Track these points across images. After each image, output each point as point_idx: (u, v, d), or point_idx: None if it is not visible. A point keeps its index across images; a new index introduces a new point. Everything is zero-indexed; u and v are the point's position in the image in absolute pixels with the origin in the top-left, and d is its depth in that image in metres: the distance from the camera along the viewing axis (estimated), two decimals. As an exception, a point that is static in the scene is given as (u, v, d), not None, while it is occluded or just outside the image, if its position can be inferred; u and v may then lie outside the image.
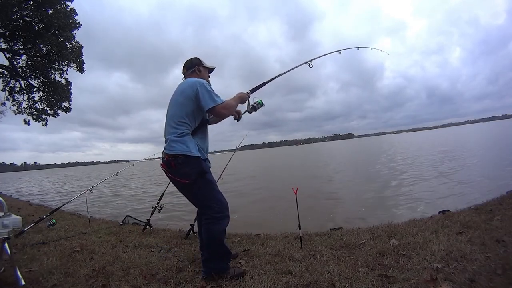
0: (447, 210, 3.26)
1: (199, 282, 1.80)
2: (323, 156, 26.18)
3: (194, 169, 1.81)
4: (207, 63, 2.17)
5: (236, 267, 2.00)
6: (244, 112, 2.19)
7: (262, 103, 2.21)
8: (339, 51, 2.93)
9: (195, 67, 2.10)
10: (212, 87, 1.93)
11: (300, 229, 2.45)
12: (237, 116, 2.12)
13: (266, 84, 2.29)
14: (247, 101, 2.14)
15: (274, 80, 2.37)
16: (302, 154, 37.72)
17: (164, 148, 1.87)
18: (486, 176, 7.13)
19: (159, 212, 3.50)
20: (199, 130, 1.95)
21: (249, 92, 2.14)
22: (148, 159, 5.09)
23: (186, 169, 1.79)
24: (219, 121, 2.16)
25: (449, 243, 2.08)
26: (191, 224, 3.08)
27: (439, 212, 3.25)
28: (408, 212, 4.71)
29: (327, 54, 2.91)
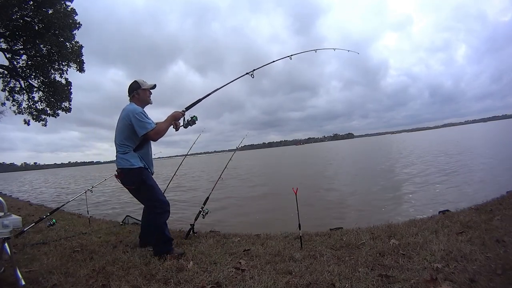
0: (447, 210, 3.26)
1: (199, 282, 1.80)
2: (325, 156, 26.15)
3: (136, 178, 2.31)
4: (148, 82, 2.47)
5: (179, 249, 2.45)
6: (180, 126, 2.52)
7: (196, 119, 2.53)
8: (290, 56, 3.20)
9: (134, 92, 2.40)
10: (146, 113, 2.31)
11: (300, 229, 2.45)
12: (176, 127, 2.51)
13: (202, 100, 2.59)
14: (182, 118, 2.50)
15: (211, 95, 2.63)
16: (303, 154, 37.68)
17: (116, 163, 2.35)
18: (486, 176, 7.13)
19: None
20: (141, 146, 2.38)
21: (184, 110, 2.50)
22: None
23: (131, 178, 2.32)
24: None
25: (449, 243, 2.08)
26: (191, 224, 3.07)
27: (439, 212, 3.24)
28: (408, 212, 4.71)
29: (268, 63, 3.15)
